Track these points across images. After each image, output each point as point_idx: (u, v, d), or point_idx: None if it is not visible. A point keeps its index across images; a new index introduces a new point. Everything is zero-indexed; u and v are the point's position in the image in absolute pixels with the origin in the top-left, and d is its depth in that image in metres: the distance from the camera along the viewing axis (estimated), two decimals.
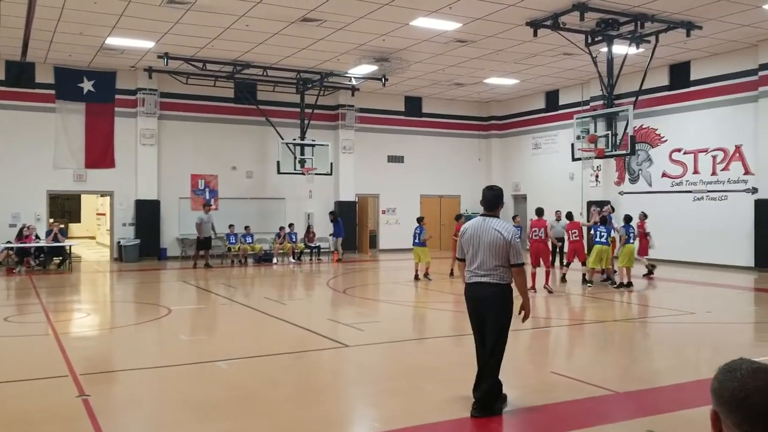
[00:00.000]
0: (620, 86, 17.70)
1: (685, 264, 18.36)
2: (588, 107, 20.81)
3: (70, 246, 18.60)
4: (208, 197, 21.43)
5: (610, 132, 15.71)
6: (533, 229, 13.98)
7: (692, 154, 18.99)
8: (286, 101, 22.35)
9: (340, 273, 18.02)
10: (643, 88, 17.19)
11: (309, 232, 21.79)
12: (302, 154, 21.09)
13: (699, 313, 11.09)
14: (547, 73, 20.77)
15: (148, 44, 17.15)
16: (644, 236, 15.85)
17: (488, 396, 5.43)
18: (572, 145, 16.96)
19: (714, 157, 18.41)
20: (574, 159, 17.03)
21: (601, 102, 17.71)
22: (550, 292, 13.42)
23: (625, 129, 15.39)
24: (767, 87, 16.87)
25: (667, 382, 6.78)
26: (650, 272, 15.79)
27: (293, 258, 20.80)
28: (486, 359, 5.51)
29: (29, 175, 19.22)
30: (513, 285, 5.56)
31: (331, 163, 21.70)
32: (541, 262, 13.73)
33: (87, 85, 19.94)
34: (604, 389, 6.30)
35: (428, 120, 25.31)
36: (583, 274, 14.57)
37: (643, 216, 16.10)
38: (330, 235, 21.64)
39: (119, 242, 20.41)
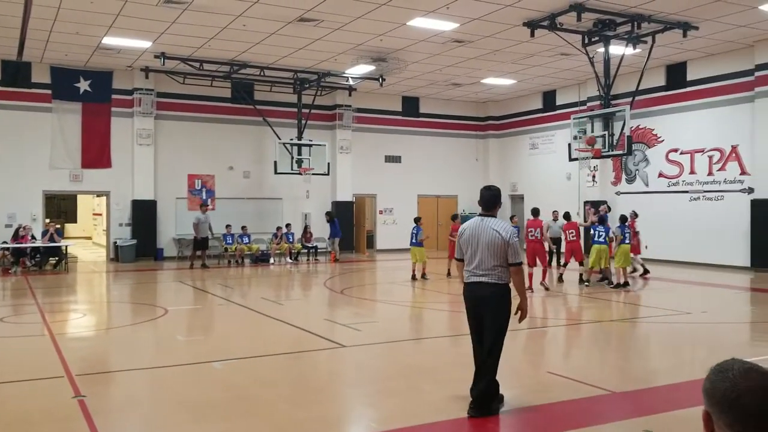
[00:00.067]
0: (617, 86, 17.72)
1: (681, 264, 18.40)
2: (585, 107, 20.87)
3: (66, 246, 18.53)
4: (204, 197, 21.39)
5: (606, 132, 15.72)
6: (529, 230, 14.01)
7: (689, 155, 19.03)
8: (283, 101, 22.34)
9: (337, 273, 18.00)
10: (640, 88, 17.22)
11: (306, 232, 21.78)
12: (299, 154, 21.08)
13: (695, 313, 11.11)
14: (544, 73, 20.80)
15: (145, 44, 17.13)
16: (635, 234, 15.89)
17: (485, 396, 5.44)
18: (569, 145, 16.97)
19: (710, 158, 18.45)
20: (571, 159, 17.05)
21: (598, 102, 17.72)
22: (546, 289, 13.48)
23: (622, 129, 15.40)
24: (763, 87, 16.92)
25: (664, 382, 6.79)
26: (645, 271, 15.81)
27: (290, 258, 20.78)
28: (483, 359, 5.52)
29: (25, 175, 19.16)
30: (511, 285, 5.57)
31: (329, 163, 21.69)
32: (538, 262, 13.77)
33: (83, 85, 19.89)
34: (601, 389, 6.31)
35: (425, 120, 25.31)
36: (580, 274, 14.60)
37: (634, 215, 16.12)
38: (328, 238, 21.59)
39: (116, 242, 20.36)
